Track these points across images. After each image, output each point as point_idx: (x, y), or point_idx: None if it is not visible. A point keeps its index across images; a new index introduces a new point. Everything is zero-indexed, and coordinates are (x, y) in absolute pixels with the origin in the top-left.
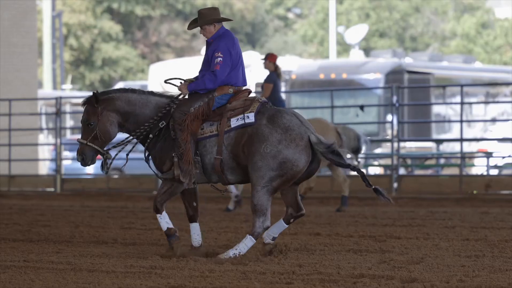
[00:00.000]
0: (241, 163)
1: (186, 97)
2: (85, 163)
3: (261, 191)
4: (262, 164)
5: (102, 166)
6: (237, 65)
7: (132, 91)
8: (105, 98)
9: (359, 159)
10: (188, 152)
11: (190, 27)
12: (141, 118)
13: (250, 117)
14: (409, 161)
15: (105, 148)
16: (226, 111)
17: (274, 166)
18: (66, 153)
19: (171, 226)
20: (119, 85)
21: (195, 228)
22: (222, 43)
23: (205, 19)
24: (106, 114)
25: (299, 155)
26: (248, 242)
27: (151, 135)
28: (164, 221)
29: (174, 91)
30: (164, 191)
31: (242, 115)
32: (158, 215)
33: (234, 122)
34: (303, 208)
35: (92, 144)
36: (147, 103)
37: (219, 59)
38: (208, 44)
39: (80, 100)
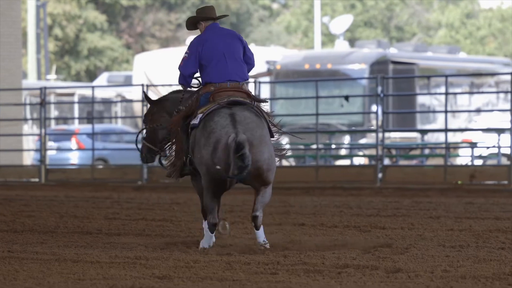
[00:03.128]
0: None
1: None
2: None
3: (204, 192)
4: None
5: None
6: (211, 61)
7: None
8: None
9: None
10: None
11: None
12: None
13: (197, 119)
14: (393, 151)
15: None
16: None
17: (203, 169)
18: (50, 143)
19: None
20: (104, 75)
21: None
22: (194, 40)
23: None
24: None
25: (217, 159)
26: (206, 234)
27: None
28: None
29: (159, 81)
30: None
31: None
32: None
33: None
34: None
35: None
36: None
37: (184, 55)
38: None
39: (64, 91)
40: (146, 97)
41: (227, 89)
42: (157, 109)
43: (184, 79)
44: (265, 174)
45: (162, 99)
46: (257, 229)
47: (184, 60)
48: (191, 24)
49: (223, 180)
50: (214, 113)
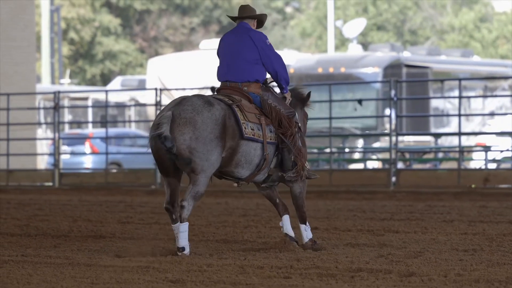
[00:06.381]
0: None
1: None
2: None
3: None
4: None
5: None
6: (221, 61)
7: None
8: None
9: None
10: None
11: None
12: None
13: None
14: (407, 155)
15: None
16: None
17: None
18: (64, 148)
19: None
20: (118, 79)
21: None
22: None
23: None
24: None
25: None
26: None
27: None
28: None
29: (173, 85)
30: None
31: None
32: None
33: None
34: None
35: None
36: None
37: None
38: None
39: (78, 95)
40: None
41: (226, 88)
42: None
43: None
44: (184, 154)
45: None
46: (181, 221)
47: None
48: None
49: (156, 159)
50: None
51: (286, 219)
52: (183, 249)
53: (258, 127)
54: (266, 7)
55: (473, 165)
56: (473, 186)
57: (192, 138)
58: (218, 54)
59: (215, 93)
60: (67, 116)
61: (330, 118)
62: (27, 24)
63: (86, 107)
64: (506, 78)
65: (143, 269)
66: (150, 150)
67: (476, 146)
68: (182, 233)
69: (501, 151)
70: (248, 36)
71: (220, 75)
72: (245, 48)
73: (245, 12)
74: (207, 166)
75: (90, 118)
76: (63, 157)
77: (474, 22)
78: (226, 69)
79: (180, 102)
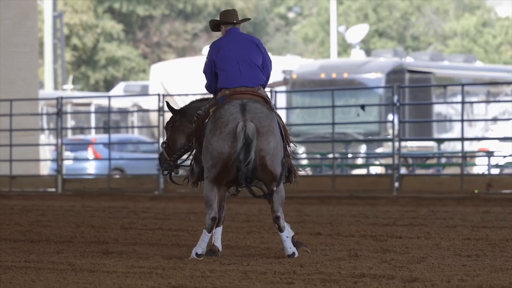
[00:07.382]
0: None
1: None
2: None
3: (205, 182)
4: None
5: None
6: (225, 67)
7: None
8: None
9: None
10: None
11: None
12: None
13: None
14: (410, 161)
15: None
16: None
17: (207, 156)
18: (67, 153)
19: None
20: (121, 85)
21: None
22: (211, 45)
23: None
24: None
25: (222, 142)
26: (203, 237)
27: None
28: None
29: (176, 91)
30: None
31: None
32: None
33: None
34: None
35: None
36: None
37: (205, 60)
38: None
39: (81, 101)
40: (168, 107)
41: (242, 92)
42: (179, 118)
43: (208, 85)
44: (269, 164)
45: (185, 109)
46: (281, 230)
47: (204, 66)
48: (214, 26)
49: (227, 168)
50: (225, 103)
51: (219, 231)
52: (293, 254)
53: None
54: (268, 12)
55: (476, 170)
56: (476, 191)
57: (274, 146)
58: (218, 60)
59: (228, 95)
60: (70, 122)
61: (333, 124)
62: (30, 30)
63: (89, 113)
64: (508, 83)
65: (146, 275)
66: (220, 156)
67: (479, 151)
68: (286, 241)
69: (504, 157)
70: (252, 42)
71: (231, 80)
72: (253, 53)
73: (235, 17)
74: (284, 170)
75: (93, 124)
76: (66, 163)
77: (476, 27)
78: (238, 74)
79: (248, 110)
